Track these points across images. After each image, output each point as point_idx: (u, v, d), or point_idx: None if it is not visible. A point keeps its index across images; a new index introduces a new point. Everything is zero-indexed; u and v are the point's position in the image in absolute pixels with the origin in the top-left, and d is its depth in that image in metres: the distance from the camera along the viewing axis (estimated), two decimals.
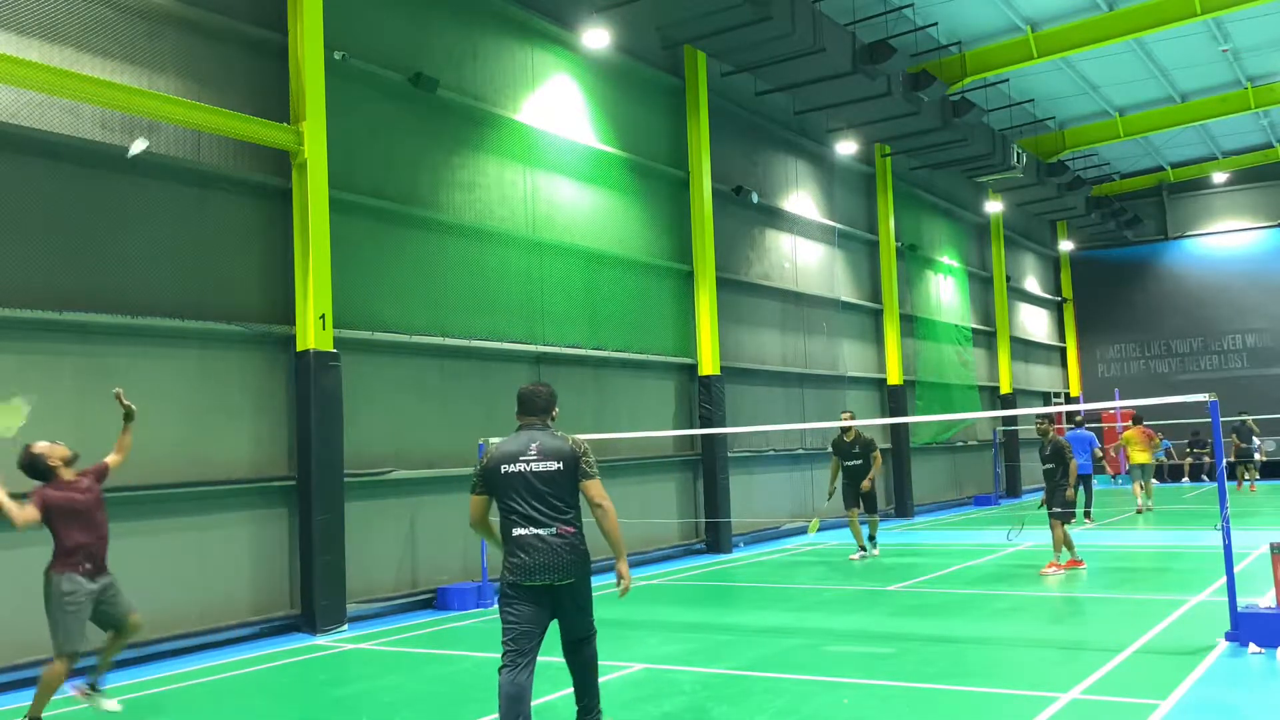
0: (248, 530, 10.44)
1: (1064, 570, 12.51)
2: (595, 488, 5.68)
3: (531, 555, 5.56)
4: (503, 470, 5.66)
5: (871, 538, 15.14)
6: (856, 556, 14.82)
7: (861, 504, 14.90)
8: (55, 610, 6.63)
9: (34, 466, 6.78)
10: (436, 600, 11.81)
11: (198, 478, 9.98)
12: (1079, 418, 19.07)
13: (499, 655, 5.54)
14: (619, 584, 5.81)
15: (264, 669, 8.92)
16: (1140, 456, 20.33)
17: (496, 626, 5.74)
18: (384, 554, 11.66)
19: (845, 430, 14.97)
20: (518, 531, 5.62)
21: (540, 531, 5.59)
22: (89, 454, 9.23)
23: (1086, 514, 18.80)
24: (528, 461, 5.64)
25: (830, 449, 15.47)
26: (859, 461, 14.82)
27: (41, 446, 6.84)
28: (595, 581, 6.00)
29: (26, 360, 8.89)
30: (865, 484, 14.71)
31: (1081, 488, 18.60)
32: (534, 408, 5.84)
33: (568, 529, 5.62)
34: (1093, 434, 19.16)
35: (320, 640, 10.12)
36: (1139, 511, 20.08)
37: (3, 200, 8.81)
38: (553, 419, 5.91)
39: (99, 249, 9.43)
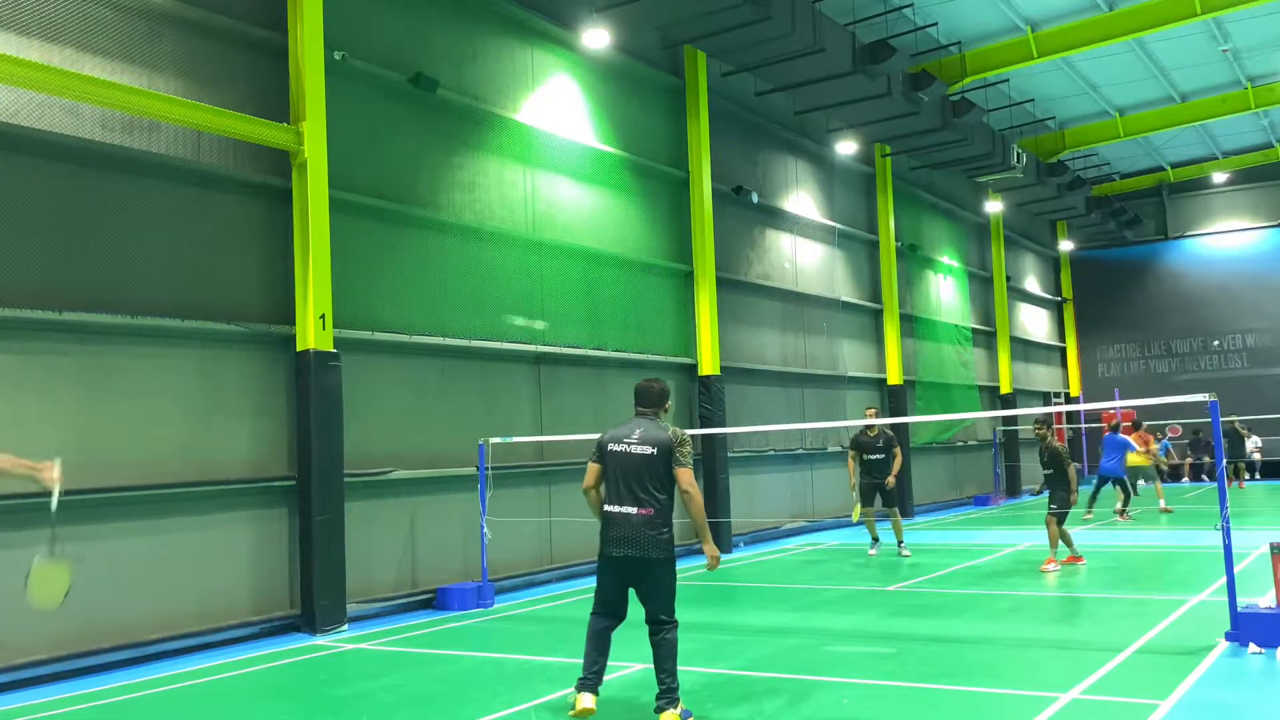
0: (248, 530, 10.43)
1: (1060, 566, 12.60)
2: (685, 475, 6.32)
3: (614, 529, 6.32)
4: (609, 448, 6.49)
5: (900, 541, 15.15)
6: (874, 551, 15.03)
7: (881, 500, 14.95)
8: None
9: None
10: (436, 600, 11.81)
11: (198, 478, 9.97)
12: (1114, 421, 19.04)
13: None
14: (708, 562, 6.47)
15: (264, 669, 8.91)
16: (1137, 459, 20.47)
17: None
18: (384, 554, 11.66)
19: (869, 426, 15.05)
20: (608, 507, 6.40)
21: (626, 509, 6.30)
22: (89, 454, 9.26)
23: (1122, 513, 18.84)
24: (629, 444, 6.41)
25: (849, 445, 15.49)
26: (881, 456, 14.92)
27: None
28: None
29: (26, 360, 8.88)
30: (890, 480, 14.76)
31: (1117, 487, 18.76)
32: (647, 400, 6.69)
33: (647, 510, 6.26)
34: (1127, 438, 19.17)
35: (320, 640, 10.11)
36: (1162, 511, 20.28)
37: (3, 200, 8.80)
38: (665, 411, 6.70)
39: (99, 249, 9.42)
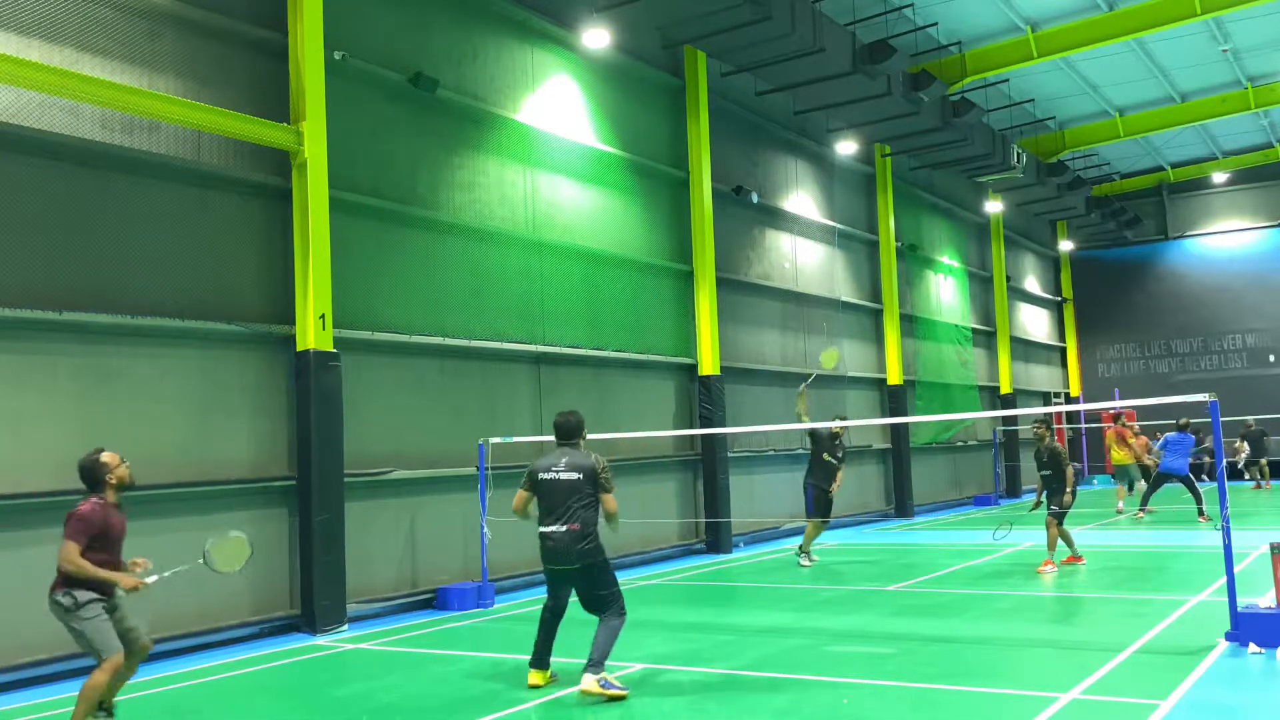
0: (247, 530, 10.27)
1: (1056, 568, 12.61)
2: (611, 502, 7.40)
3: (548, 544, 7.36)
4: (539, 476, 7.46)
5: (805, 550, 14.48)
6: (808, 563, 14.33)
7: (821, 509, 14.43)
8: (78, 623, 6.36)
9: (92, 473, 6.61)
10: (436, 600, 11.81)
11: (198, 478, 9.97)
12: (1183, 421, 18.83)
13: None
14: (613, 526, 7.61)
15: (264, 669, 8.92)
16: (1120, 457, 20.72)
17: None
18: (384, 554, 11.66)
19: (840, 429, 14.67)
20: (542, 528, 7.40)
21: (558, 528, 7.30)
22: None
23: (1200, 513, 18.09)
24: (558, 471, 7.40)
25: (810, 438, 14.84)
26: (835, 463, 14.49)
27: (110, 458, 6.70)
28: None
29: (26, 360, 8.88)
30: (835, 486, 14.41)
31: (1186, 487, 18.40)
32: (566, 432, 7.57)
33: (575, 526, 7.25)
34: (1193, 436, 19.04)
35: (320, 640, 10.12)
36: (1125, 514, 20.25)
37: (3, 200, 8.80)
38: (583, 439, 7.60)
39: (99, 249, 9.42)
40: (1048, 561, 12.68)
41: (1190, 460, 18.71)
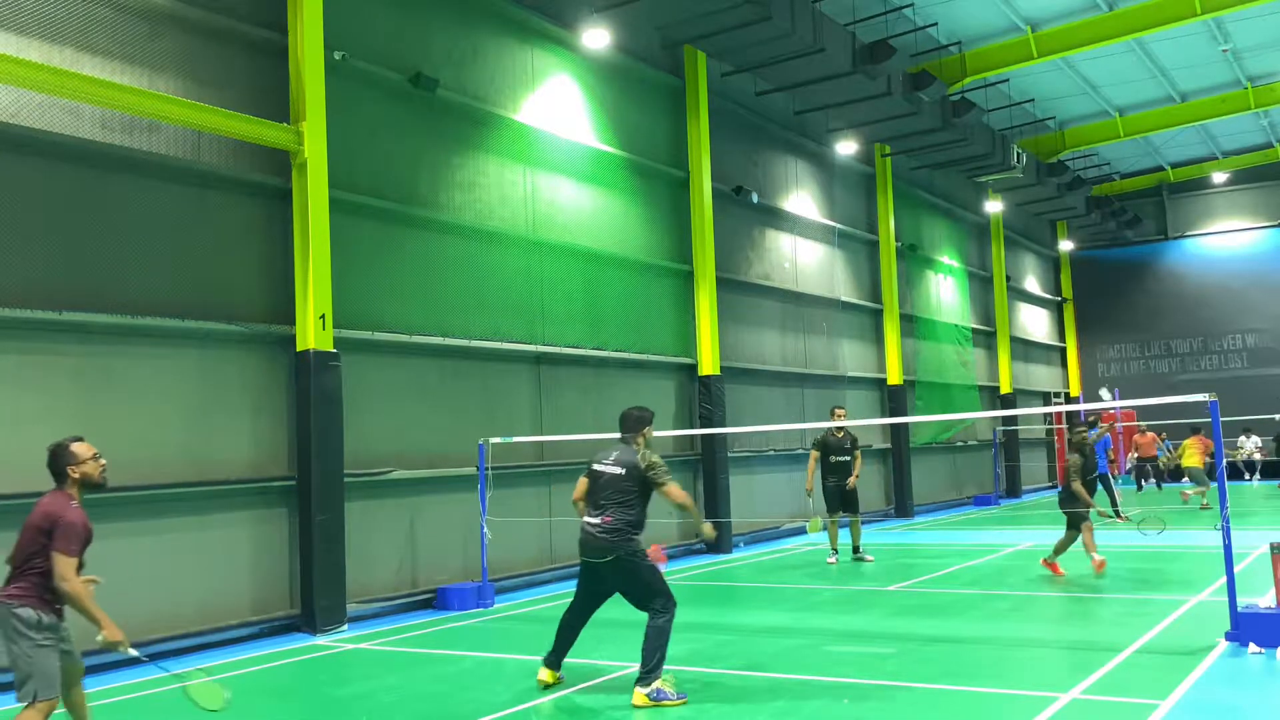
0: (248, 530, 10.44)
1: (1103, 564, 12.13)
2: (673, 490, 7.27)
3: (582, 536, 7.33)
4: (593, 467, 7.46)
5: (856, 547, 14.64)
6: (833, 560, 14.40)
7: (843, 505, 14.48)
8: (28, 645, 5.30)
9: (55, 460, 5.66)
10: (436, 600, 11.81)
11: (198, 478, 9.97)
12: (1090, 418, 19.08)
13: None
14: (706, 537, 7.94)
15: (264, 669, 8.91)
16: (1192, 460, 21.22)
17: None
18: (384, 554, 11.66)
19: (838, 427, 14.64)
20: (583, 518, 7.39)
21: (592, 519, 7.27)
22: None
23: (1116, 513, 18.39)
24: (605, 465, 7.39)
25: (812, 446, 14.85)
26: (847, 458, 14.49)
27: (81, 448, 5.70)
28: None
29: (26, 360, 8.88)
30: (852, 481, 14.39)
31: (1101, 486, 18.36)
32: (623, 426, 7.54)
33: (607, 519, 7.17)
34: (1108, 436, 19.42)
35: (320, 640, 10.12)
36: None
37: (3, 200, 8.80)
38: (644, 435, 7.48)
39: (99, 249, 9.42)
40: (1097, 560, 12.02)
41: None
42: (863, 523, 14.94)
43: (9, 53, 8.71)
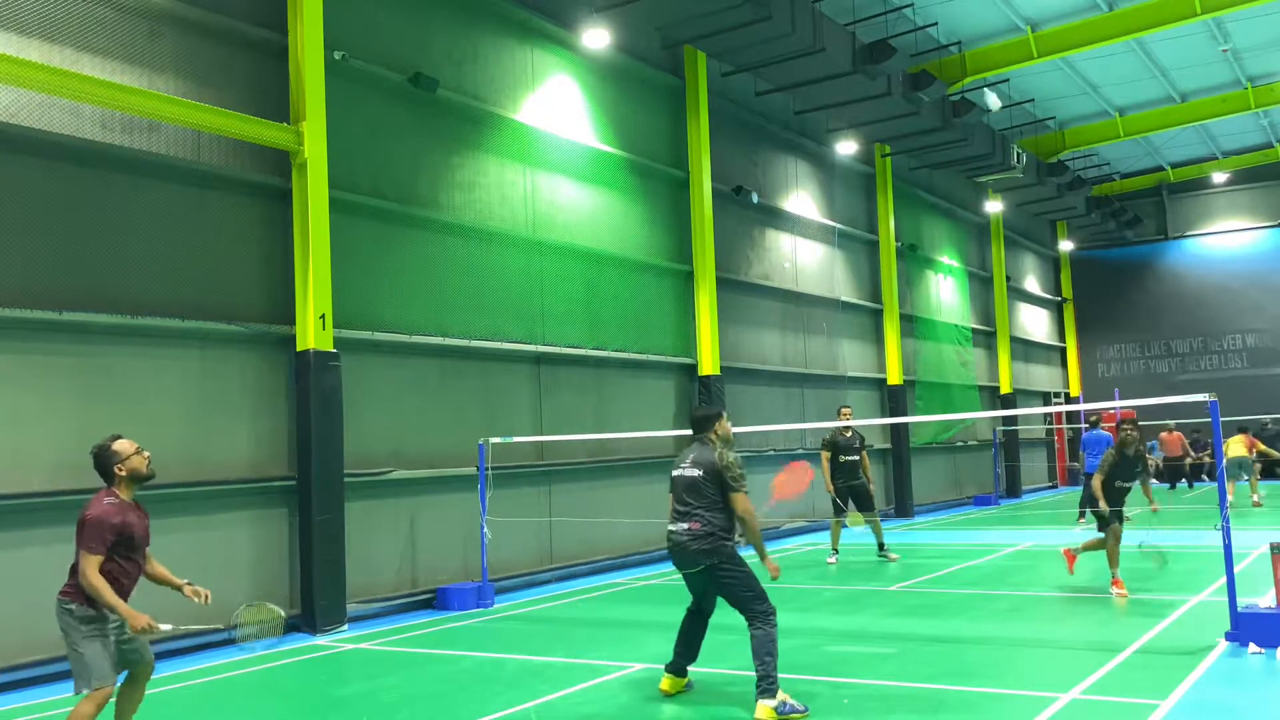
0: (248, 530, 10.43)
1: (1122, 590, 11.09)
2: (740, 501, 6.84)
3: (669, 544, 7.01)
4: (673, 473, 7.13)
5: (882, 544, 14.75)
6: (833, 560, 14.42)
7: (857, 504, 14.49)
8: (78, 636, 5.59)
9: (101, 462, 5.82)
10: (436, 600, 11.81)
11: (198, 478, 9.97)
12: (1094, 418, 18.98)
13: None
14: (771, 575, 7.04)
15: (264, 669, 8.91)
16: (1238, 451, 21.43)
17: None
18: (384, 554, 11.66)
19: (845, 427, 14.65)
20: (668, 526, 7.03)
21: (677, 525, 6.93)
22: (89, 454, 9.23)
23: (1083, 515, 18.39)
24: (684, 468, 7.05)
25: (821, 447, 14.85)
26: (855, 457, 14.56)
27: (123, 445, 5.86)
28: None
29: (26, 360, 8.88)
30: (870, 482, 14.52)
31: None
32: (694, 427, 7.30)
33: (694, 525, 6.82)
34: (1108, 434, 19.15)
35: (320, 640, 10.12)
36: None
37: (3, 200, 8.80)
38: (716, 434, 7.19)
39: (99, 249, 9.42)
40: (1116, 581, 11.06)
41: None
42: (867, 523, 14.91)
43: (9, 53, 8.71)
